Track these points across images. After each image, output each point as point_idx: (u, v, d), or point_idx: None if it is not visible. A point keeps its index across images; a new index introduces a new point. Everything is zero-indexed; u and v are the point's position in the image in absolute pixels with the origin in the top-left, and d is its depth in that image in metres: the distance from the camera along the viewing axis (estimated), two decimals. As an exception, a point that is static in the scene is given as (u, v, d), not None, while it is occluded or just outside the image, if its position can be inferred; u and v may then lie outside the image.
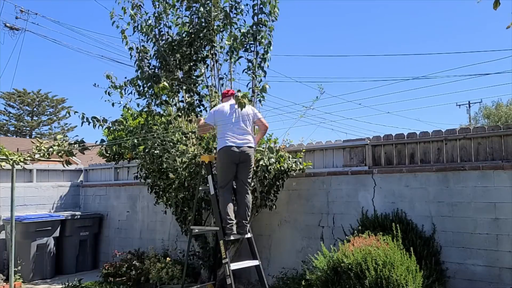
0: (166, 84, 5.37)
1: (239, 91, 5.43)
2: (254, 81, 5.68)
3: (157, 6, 5.90)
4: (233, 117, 5.02)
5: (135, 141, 5.70)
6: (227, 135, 4.94)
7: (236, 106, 4.82)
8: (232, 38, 5.74)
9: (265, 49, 5.68)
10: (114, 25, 5.97)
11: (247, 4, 5.80)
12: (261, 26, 5.65)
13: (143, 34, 5.96)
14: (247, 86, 5.72)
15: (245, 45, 5.74)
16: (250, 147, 5.02)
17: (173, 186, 5.91)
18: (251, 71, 5.69)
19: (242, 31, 5.79)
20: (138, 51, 5.99)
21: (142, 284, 6.30)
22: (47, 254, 7.48)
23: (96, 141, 5.95)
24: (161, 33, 5.92)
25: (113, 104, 6.11)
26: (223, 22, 5.79)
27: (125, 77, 6.04)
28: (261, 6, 5.64)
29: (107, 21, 6.23)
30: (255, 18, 5.67)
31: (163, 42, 5.85)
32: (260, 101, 5.71)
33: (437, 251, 4.77)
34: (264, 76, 5.72)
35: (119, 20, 5.96)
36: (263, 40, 5.65)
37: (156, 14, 5.91)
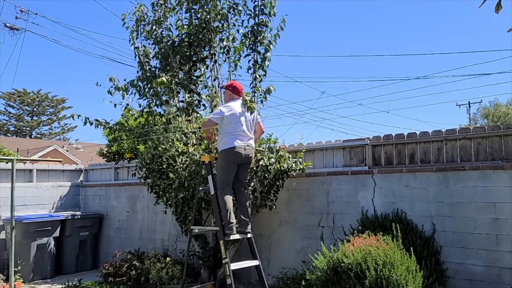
0: (164, 79, 5.38)
1: (247, 94, 5.45)
2: (255, 81, 5.69)
3: (158, 10, 5.96)
4: (242, 119, 5.01)
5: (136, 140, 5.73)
6: (233, 136, 4.92)
7: (244, 108, 4.98)
8: (231, 38, 5.77)
9: (266, 49, 5.70)
10: (124, 26, 6.04)
11: (245, 4, 5.83)
12: (262, 26, 5.67)
13: (145, 38, 6.01)
14: (249, 85, 5.73)
15: (247, 46, 5.77)
16: (252, 149, 5.09)
17: (173, 186, 5.92)
18: (252, 70, 5.70)
19: (241, 31, 5.83)
20: (140, 53, 6.03)
21: (142, 284, 6.30)
22: (47, 254, 7.48)
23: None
24: (162, 35, 5.96)
25: (115, 105, 6.16)
26: (222, 23, 5.82)
27: (124, 79, 6.09)
28: (262, 7, 5.66)
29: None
30: (256, 19, 5.69)
31: (163, 44, 5.87)
32: (261, 101, 5.71)
33: (437, 251, 4.77)
34: (265, 76, 5.73)
35: (130, 21, 6.03)
36: (264, 41, 5.67)
37: (156, 18, 5.95)
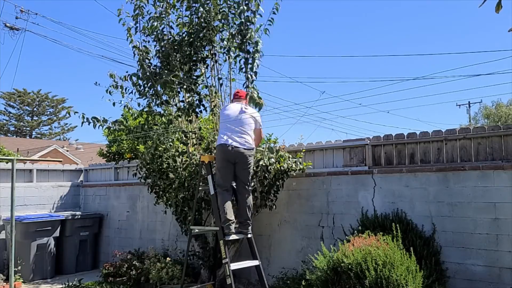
0: (169, 79, 5.35)
1: (259, 97, 5.43)
2: (248, 81, 5.64)
3: (159, 6, 5.90)
4: (233, 116, 5.08)
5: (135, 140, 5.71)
6: (224, 133, 5.01)
7: (242, 108, 5.10)
8: (230, 37, 5.75)
9: (254, 48, 5.60)
10: (120, 22, 5.97)
11: (247, 4, 5.78)
12: (248, 24, 5.57)
13: (145, 35, 5.97)
14: (243, 85, 5.69)
15: (235, 46, 5.71)
16: (247, 148, 5.03)
17: (173, 186, 5.92)
18: (244, 70, 5.64)
19: (231, 31, 5.74)
20: (140, 50, 5.99)
21: (142, 284, 6.30)
22: (47, 254, 7.47)
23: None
24: (164, 33, 5.91)
25: (114, 104, 6.12)
26: (222, 22, 5.79)
27: (126, 71, 6.03)
28: (247, 2, 5.53)
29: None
30: (242, 16, 5.57)
31: (165, 42, 5.84)
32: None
33: (437, 251, 4.77)
34: (256, 76, 5.64)
35: (126, 18, 5.96)
36: (251, 40, 5.55)
37: (157, 14, 5.91)
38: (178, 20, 6.00)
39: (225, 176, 5.02)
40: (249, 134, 5.11)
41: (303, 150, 5.98)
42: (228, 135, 4.98)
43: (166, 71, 5.68)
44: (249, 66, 5.57)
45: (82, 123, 5.89)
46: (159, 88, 5.78)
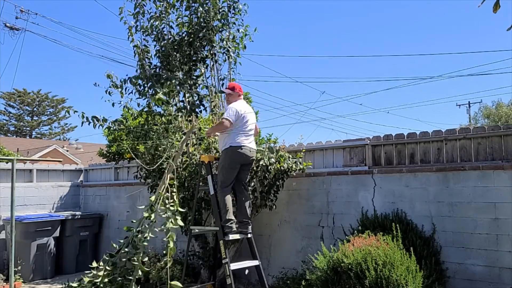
0: (162, 97, 5.35)
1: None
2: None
3: (160, 6, 5.90)
4: (248, 119, 5.03)
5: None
6: (240, 135, 4.93)
7: (249, 108, 5.11)
8: (231, 37, 5.77)
9: (234, 47, 5.81)
10: (122, 21, 5.95)
11: (245, 4, 5.84)
12: (223, 20, 5.80)
13: (145, 34, 5.96)
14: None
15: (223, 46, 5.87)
16: (255, 150, 5.15)
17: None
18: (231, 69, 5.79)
19: (241, 31, 5.83)
20: (140, 50, 5.98)
21: (142, 283, 6.30)
22: (47, 254, 7.48)
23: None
24: (163, 32, 5.91)
25: (113, 104, 6.08)
26: (222, 22, 5.81)
27: (126, 75, 6.04)
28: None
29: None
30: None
31: (165, 41, 5.84)
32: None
33: (437, 251, 4.77)
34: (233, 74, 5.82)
35: (128, 16, 5.95)
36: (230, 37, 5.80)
37: (157, 14, 5.91)
38: (178, 20, 6.00)
39: (231, 176, 5.00)
40: (253, 136, 5.22)
41: (303, 150, 5.98)
42: (245, 137, 4.96)
43: (165, 72, 5.69)
44: (231, 65, 5.80)
45: (82, 122, 5.86)
46: (158, 88, 5.78)
